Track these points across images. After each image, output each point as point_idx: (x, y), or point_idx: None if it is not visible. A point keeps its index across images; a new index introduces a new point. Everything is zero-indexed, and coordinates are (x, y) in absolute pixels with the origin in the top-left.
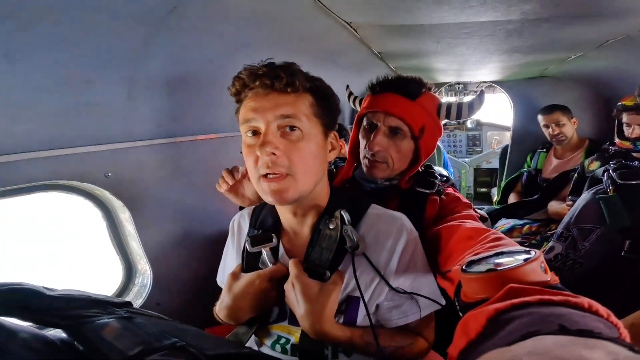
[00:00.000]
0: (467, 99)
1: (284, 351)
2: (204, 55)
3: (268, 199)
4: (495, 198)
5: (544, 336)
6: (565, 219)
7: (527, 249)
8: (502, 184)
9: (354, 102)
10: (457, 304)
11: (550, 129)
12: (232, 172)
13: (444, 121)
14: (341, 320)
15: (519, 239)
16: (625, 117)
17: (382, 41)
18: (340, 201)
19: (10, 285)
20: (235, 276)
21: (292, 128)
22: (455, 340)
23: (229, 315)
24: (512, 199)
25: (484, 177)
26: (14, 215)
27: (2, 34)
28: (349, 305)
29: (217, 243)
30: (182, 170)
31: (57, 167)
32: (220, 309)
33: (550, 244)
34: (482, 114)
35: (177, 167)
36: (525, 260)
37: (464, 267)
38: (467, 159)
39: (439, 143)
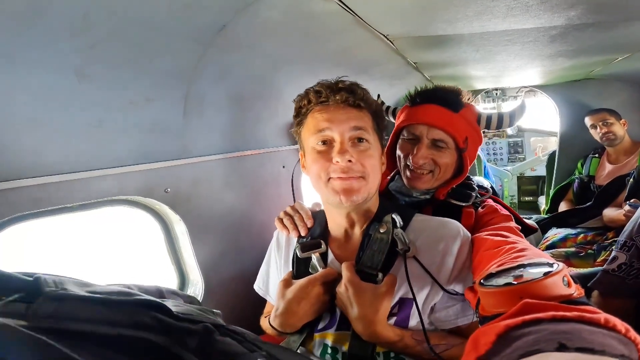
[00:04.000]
0: (506, 104)
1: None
2: (250, 72)
3: (336, 198)
4: (543, 207)
5: (547, 353)
6: (628, 228)
7: (551, 261)
8: (551, 192)
9: (386, 113)
10: (477, 317)
11: (597, 129)
12: (294, 215)
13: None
14: (393, 322)
15: (573, 249)
16: None
17: (419, 52)
18: (389, 209)
19: (140, 296)
20: (286, 283)
21: (361, 140)
22: (465, 355)
23: (284, 323)
24: (563, 207)
25: (529, 186)
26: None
27: (75, 50)
28: (401, 308)
29: (261, 255)
30: (231, 185)
31: (123, 183)
32: (274, 317)
33: (613, 254)
34: (523, 120)
35: (226, 182)
36: (545, 274)
37: (481, 281)
38: (509, 167)
39: (479, 152)
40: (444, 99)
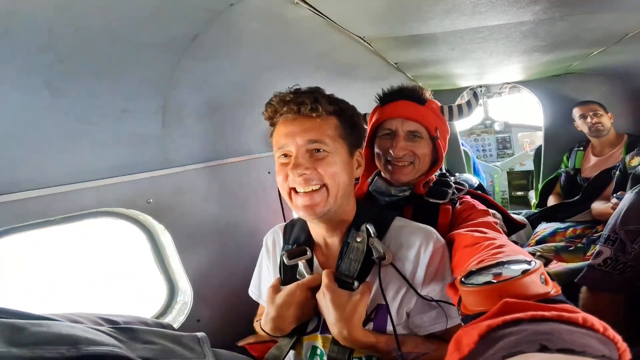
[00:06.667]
0: (491, 101)
1: None
2: (228, 80)
3: (300, 213)
4: (533, 201)
5: (529, 354)
6: (611, 221)
7: (529, 258)
8: (539, 186)
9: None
10: (459, 314)
11: (588, 118)
12: None
13: (469, 126)
14: (371, 327)
15: (563, 243)
16: None
17: (397, 52)
18: (366, 215)
19: (89, 347)
20: (275, 289)
21: (318, 150)
22: (448, 356)
23: (275, 327)
24: (551, 201)
25: (519, 180)
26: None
27: (44, 65)
28: (378, 313)
29: (250, 260)
30: (215, 193)
31: (104, 196)
32: (265, 322)
33: (598, 249)
34: (510, 115)
35: (210, 190)
36: (523, 272)
37: (462, 279)
38: (498, 163)
39: (467, 149)
40: (410, 95)
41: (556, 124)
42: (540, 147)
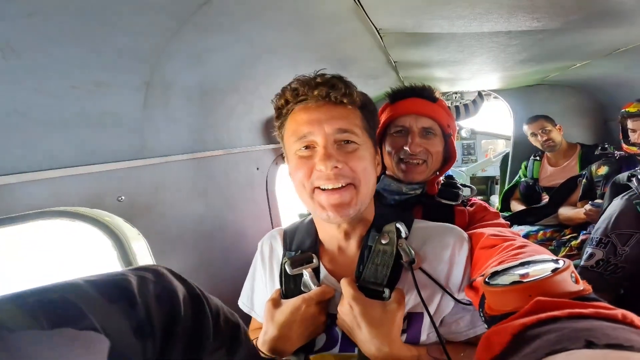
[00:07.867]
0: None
1: None
2: (227, 60)
3: (323, 213)
4: (496, 205)
5: (575, 351)
6: (602, 226)
7: (555, 257)
8: (500, 192)
9: None
10: (482, 315)
11: (538, 136)
12: None
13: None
14: (404, 339)
15: None
16: (630, 124)
17: (404, 49)
18: (386, 215)
19: None
20: (275, 303)
21: (348, 142)
22: (478, 355)
23: (275, 348)
24: (515, 205)
25: (480, 186)
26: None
27: (1, 17)
28: (411, 323)
29: (238, 267)
30: (200, 190)
31: (60, 190)
32: (264, 341)
33: (589, 251)
34: (476, 122)
35: (195, 187)
36: (553, 270)
37: (486, 280)
38: (463, 168)
39: None
40: (422, 93)
41: (524, 133)
42: (507, 153)
